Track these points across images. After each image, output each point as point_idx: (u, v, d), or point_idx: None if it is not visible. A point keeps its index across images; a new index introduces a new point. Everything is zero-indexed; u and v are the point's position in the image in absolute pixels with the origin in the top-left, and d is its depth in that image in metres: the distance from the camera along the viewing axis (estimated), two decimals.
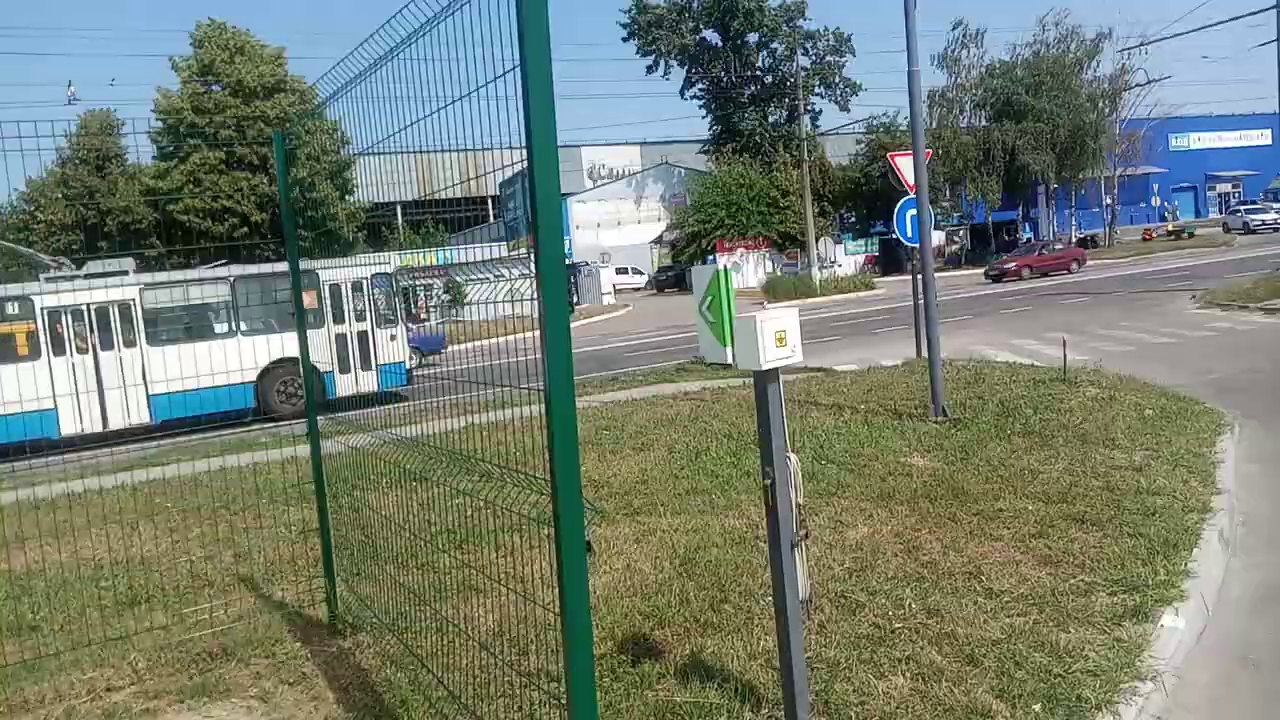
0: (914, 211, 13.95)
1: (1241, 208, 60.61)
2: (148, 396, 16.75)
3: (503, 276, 4.23)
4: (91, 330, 16.59)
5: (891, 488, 7.13)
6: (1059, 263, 40.89)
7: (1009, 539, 5.72)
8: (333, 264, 19.23)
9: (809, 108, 61.08)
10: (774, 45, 63.24)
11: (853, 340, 22.15)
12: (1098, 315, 21.47)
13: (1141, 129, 58.71)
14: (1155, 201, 69.87)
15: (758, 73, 65.09)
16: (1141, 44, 36.62)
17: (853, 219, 58.07)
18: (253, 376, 17.12)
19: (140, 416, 16.65)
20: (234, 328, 17.73)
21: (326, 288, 17.80)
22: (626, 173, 76.26)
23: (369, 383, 17.28)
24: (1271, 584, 5.34)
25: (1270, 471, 7.77)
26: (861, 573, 5.31)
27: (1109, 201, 59.84)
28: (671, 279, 59.85)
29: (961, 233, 60.86)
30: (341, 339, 18.01)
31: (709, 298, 14.48)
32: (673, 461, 8.62)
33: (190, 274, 19.01)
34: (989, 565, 5.28)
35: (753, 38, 63.62)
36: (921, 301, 10.99)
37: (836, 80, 63.95)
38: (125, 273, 17.54)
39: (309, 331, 5.68)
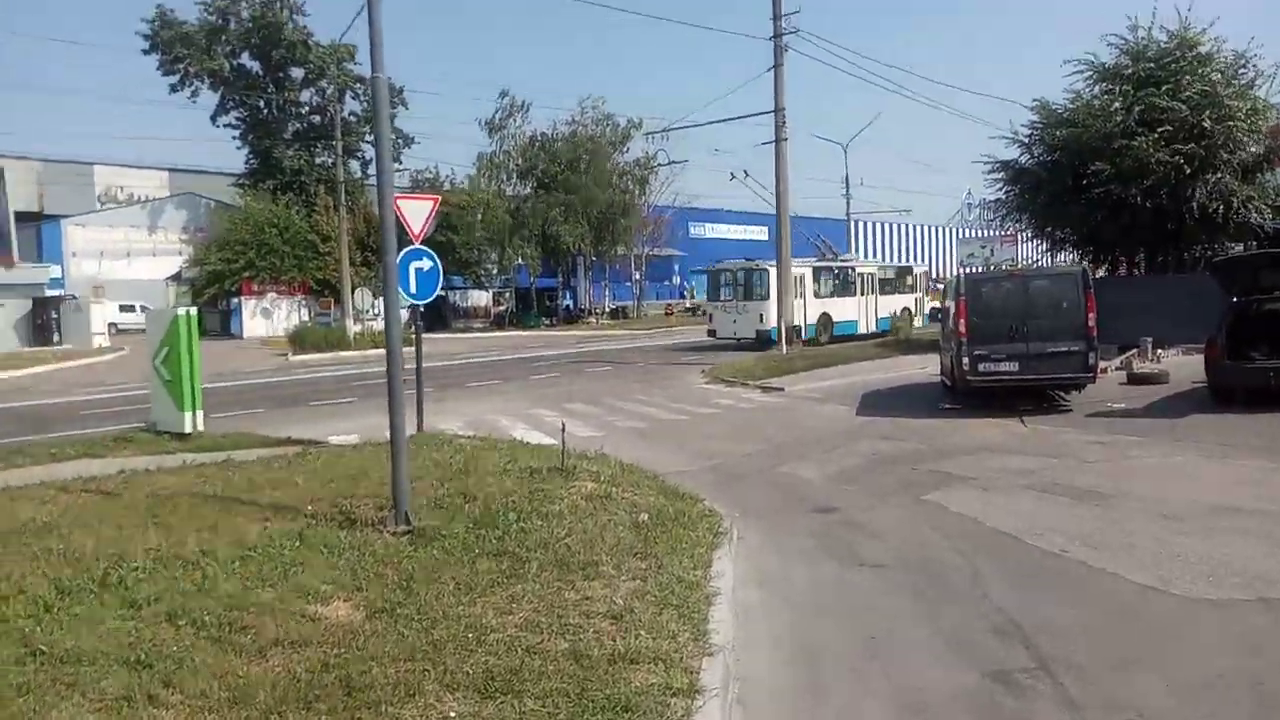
0: (419, 264, 11.92)
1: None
2: (805, 321, 29.93)
3: None
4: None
5: (254, 681, 4.55)
6: None
7: None
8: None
9: (358, 154, 57.91)
10: (322, 84, 59.24)
11: (371, 403, 19.49)
12: (617, 386, 21.08)
13: (666, 214, 63.92)
14: (676, 281, 76.52)
15: (303, 110, 60.55)
16: (665, 130, 39.03)
17: None
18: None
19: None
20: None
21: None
22: (150, 199, 66.89)
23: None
24: None
25: (771, 602, 6.48)
26: None
27: (638, 277, 64.04)
28: None
29: (508, 295, 61.38)
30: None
31: (166, 349, 10.87)
32: None
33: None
34: None
35: (298, 73, 59.15)
36: (403, 366, 8.67)
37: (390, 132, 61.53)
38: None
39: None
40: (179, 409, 13.72)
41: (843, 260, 36.31)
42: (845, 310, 33.24)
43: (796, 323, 28.11)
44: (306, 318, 48.44)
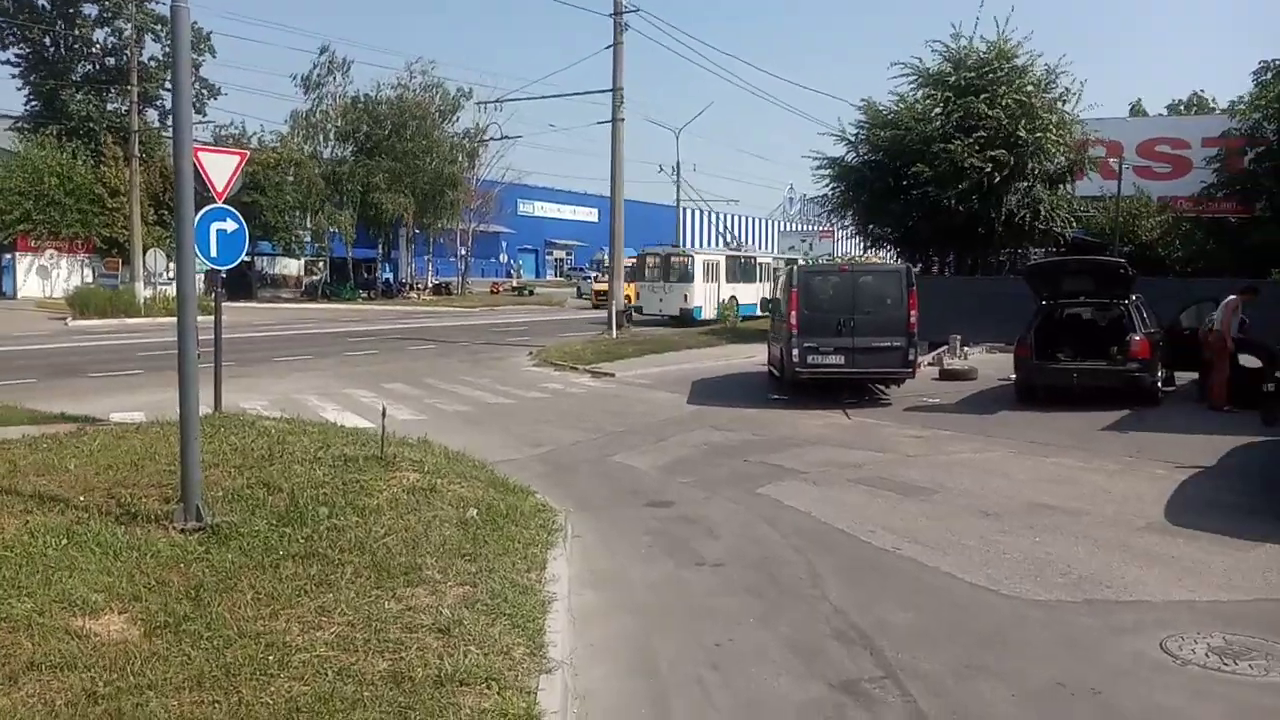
0: (222, 225, 10.79)
1: (593, 274, 64.89)
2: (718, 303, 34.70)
3: None
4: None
5: (1, 715, 3.77)
6: None
7: None
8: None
9: (157, 103, 53.25)
10: (119, 23, 54.01)
11: (161, 376, 17.69)
12: (441, 366, 20.22)
13: (495, 189, 62.53)
14: (503, 259, 75.27)
15: (96, 50, 55.08)
16: (498, 100, 37.99)
17: None
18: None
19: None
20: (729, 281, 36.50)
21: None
22: None
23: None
24: None
25: (608, 607, 6.08)
26: None
27: (464, 253, 62.34)
28: None
29: (321, 264, 58.33)
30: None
31: None
32: None
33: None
34: None
35: (92, 10, 53.73)
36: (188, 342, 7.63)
37: (191, 78, 56.91)
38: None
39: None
40: None
41: (746, 252, 43.57)
42: (748, 294, 36.60)
43: (697, 304, 33.98)
44: (90, 279, 44.16)
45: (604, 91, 27.01)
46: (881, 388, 15.79)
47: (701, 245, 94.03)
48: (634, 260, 37.64)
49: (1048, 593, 6.37)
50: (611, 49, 26.44)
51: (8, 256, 45.46)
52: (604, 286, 46.08)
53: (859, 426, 13.19)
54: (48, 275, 45.51)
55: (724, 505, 8.80)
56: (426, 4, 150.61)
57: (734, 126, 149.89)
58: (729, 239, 44.88)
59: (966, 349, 20.85)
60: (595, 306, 44.21)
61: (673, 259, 36.05)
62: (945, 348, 20.57)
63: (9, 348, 23.28)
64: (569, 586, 6.12)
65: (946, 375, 18.04)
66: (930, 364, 19.24)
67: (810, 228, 69.90)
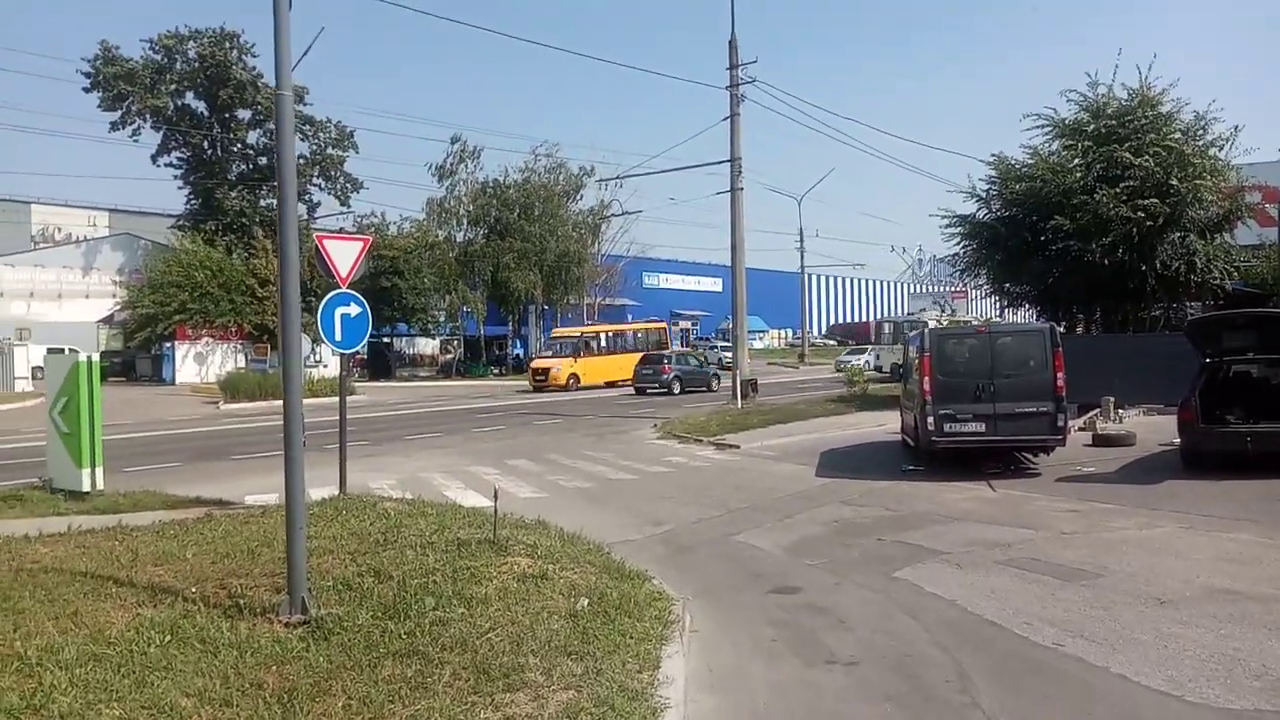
0: (346, 310, 10.95)
1: (719, 343, 64.60)
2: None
3: None
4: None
5: None
6: None
7: None
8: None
9: (304, 197, 56.58)
10: (270, 125, 57.98)
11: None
12: (565, 441, 20.09)
13: (619, 263, 63.39)
14: None
15: (249, 151, 59.20)
16: (619, 177, 38.55)
17: None
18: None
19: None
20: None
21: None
22: (85, 239, 65.08)
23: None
24: None
25: (728, 710, 5.48)
26: None
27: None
28: (118, 366, 50.93)
29: (456, 343, 60.09)
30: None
31: (65, 399, 9.53)
32: None
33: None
34: None
35: (245, 114, 57.91)
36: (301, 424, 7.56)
37: (337, 174, 60.43)
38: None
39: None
40: (76, 465, 12.50)
41: (962, 318, 49.17)
42: None
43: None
44: (242, 364, 46.66)
45: (722, 162, 26.94)
46: (1029, 456, 14.68)
47: (822, 311, 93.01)
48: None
49: (1241, 699, 5.43)
50: (729, 120, 26.40)
51: (168, 345, 48.59)
52: (543, 364, 41.20)
53: (1006, 500, 12.19)
54: (203, 361, 48.36)
55: (857, 592, 8.09)
56: (549, 86, 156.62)
57: (857, 189, 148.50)
58: (946, 308, 51.28)
59: (1121, 412, 19.34)
60: (535, 389, 39.07)
61: (905, 326, 40.09)
62: (1097, 411, 19.14)
63: (162, 431, 24.49)
64: (684, 690, 5.57)
65: (1100, 441, 16.67)
66: (1081, 429, 17.87)
67: (941, 289, 67.90)
